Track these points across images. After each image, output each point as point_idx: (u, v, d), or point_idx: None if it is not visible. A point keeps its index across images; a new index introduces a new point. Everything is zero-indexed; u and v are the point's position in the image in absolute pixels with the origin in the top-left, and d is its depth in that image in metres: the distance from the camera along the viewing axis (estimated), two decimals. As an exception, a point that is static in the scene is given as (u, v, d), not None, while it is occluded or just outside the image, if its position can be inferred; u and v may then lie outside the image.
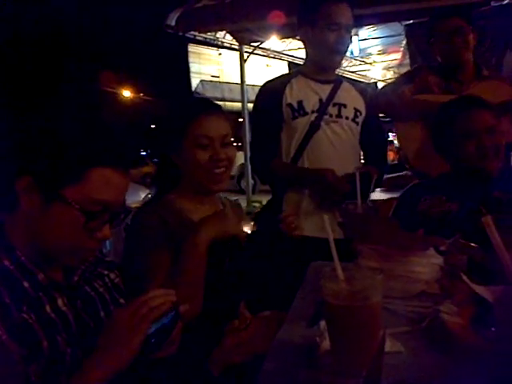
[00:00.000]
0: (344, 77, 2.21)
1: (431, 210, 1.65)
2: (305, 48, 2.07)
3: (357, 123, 2.02)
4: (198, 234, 1.26)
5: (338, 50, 1.93)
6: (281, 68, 8.08)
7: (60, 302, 0.93)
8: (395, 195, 2.00)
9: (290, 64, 7.90)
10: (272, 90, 2.01)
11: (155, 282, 1.23)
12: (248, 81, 6.78)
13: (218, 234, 1.28)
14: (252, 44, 6.77)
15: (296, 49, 7.12)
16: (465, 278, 1.11)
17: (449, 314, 0.98)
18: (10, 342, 0.81)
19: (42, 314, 0.88)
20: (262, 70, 7.80)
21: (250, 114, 5.71)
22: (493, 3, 4.28)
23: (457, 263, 1.20)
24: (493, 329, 0.91)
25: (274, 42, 6.70)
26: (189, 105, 1.53)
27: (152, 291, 0.88)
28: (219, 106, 1.48)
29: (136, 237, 1.34)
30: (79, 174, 0.88)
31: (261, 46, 6.88)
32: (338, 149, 1.98)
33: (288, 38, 6.51)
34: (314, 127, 1.94)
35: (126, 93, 24.13)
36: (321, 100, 1.97)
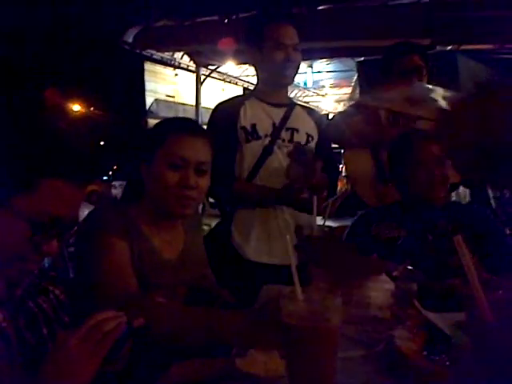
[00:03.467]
0: (296, 103, 2.18)
1: (381, 236, 1.70)
2: (256, 71, 2.08)
3: None
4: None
5: (287, 67, 1.94)
6: (236, 93, 8.16)
7: (0, 317, 0.86)
8: (346, 223, 2.03)
9: (246, 90, 8.00)
10: (226, 112, 1.98)
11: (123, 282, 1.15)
12: (203, 103, 6.80)
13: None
14: (209, 67, 6.83)
15: (252, 75, 7.23)
16: (417, 304, 1.14)
17: (402, 339, 0.99)
18: None
19: None
20: (218, 93, 7.85)
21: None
22: (438, 47, 4.57)
23: (408, 289, 1.23)
24: (443, 355, 0.93)
25: (230, 66, 6.79)
26: (174, 120, 1.47)
27: (102, 313, 0.83)
28: (208, 132, 1.39)
29: (92, 237, 1.23)
30: (29, 184, 0.83)
31: (217, 69, 6.94)
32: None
33: (244, 63, 6.61)
34: (267, 151, 1.94)
35: (77, 107, 23.52)
36: (274, 124, 1.96)
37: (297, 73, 2.02)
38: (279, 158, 1.94)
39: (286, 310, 0.81)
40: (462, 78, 4.89)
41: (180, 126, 1.34)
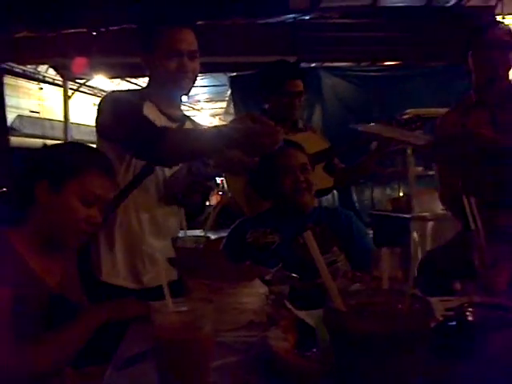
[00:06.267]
0: (188, 116, 2.01)
1: (257, 242, 1.76)
2: (149, 78, 1.85)
3: None
4: (89, 315, 1.24)
5: (181, 78, 1.72)
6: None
7: None
8: (225, 234, 2.06)
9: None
10: (132, 103, 1.70)
11: None
12: (72, 119, 6.44)
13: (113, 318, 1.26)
14: (77, 81, 6.50)
15: (126, 90, 7.06)
16: (288, 305, 1.19)
17: (275, 339, 1.02)
18: None
19: None
20: (89, 108, 7.51)
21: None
22: (303, 64, 4.89)
23: (280, 292, 1.28)
24: (314, 350, 0.99)
25: (102, 80, 6.54)
26: (92, 154, 1.40)
27: None
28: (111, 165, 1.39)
29: None
30: None
31: (87, 83, 6.65)
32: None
33: (116, 78, 6.41)
34: (148, 170, 1.71)
35: None
36: None
37: (193, 84, 1.82)
38: (157, 177, 1.74)
39: (157, 323, 0.79)
40: (325, 92, 5.34)
41: (98, 162, 1.34)
